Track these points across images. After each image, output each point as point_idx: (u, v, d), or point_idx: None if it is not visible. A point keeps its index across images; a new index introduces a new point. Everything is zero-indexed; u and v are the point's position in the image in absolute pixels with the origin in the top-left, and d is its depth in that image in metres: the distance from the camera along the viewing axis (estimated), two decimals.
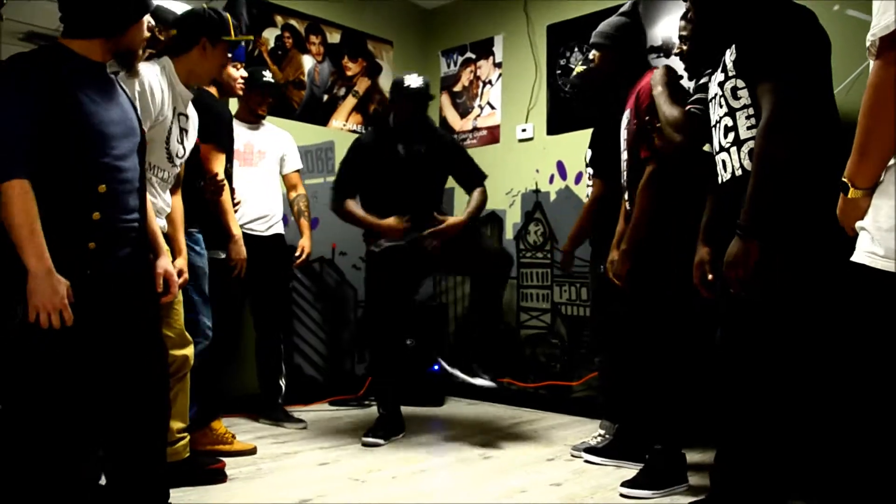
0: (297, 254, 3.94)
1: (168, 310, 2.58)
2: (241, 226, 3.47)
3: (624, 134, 2.97)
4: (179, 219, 2.72)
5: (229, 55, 3.22)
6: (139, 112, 2.22)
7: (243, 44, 3.59)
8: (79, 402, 1.95)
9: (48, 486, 1.89)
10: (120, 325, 2.02)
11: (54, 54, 1.95)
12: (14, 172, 1.77)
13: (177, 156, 2.64)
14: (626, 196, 2.99)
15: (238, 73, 3.37)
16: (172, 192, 2.69)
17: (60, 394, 1.88)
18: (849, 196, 1.46)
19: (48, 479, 1.88)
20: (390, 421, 3.62)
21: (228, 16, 2.74)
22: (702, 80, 2.66)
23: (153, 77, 2.48)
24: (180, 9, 2.95)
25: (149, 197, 2.42)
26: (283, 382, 3.97)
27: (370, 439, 3.46)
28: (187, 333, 2.72)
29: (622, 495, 2.69)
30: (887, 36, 1.34)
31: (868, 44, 1.40)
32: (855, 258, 1.44)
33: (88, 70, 2.00)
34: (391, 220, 3.53)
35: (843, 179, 1.47)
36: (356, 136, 4.29)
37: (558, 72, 4.69)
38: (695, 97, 2.64)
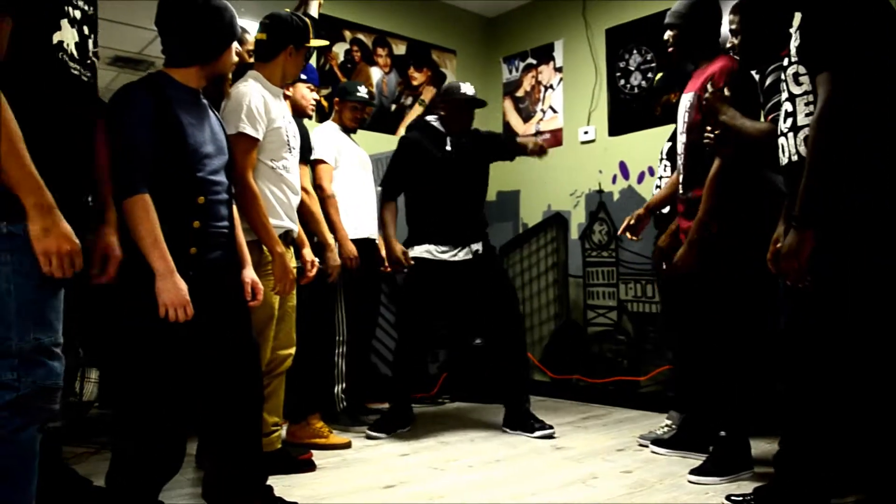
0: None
1: (283, 311, 2.87)
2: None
3: (685, 117, 3.01)
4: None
5: (304, 77, 3.47)
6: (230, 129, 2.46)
7: (328, 65, 3.78)
8: (186, 387, 2.18)
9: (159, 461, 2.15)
10: (216, 320, 2.23)
11: (160, 82, 2.19)
12: (140, 188, 2.01)
13: (294, 147, 2.93)
14: (680, 179, 3.05)
15: (311, 94, 3.58)
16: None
17: (175, 378, 2.12)
18: None
19: (159, 455, 2.14)
20: (396, 415, 3.79)
21: (309, 21, 2.94)
22: (768, 80, 2.71)
23: (255, 94, 2.72)
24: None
25: (271, 189, 2.80)
26: (341, 393, 3.94)
27: (373, 433, 3.66)
28: (293, 335, 2.97)
29: (690, 482, 2.81)
30: None
31: None
32: None
33: (187, 95, 2.24)
34: (397, 251, 3.77)
35: None
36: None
37: (618, 74, 4.80)
38: (773, 102, 2.65)
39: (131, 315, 2.07)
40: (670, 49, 3.14)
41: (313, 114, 3.70)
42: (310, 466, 3.02)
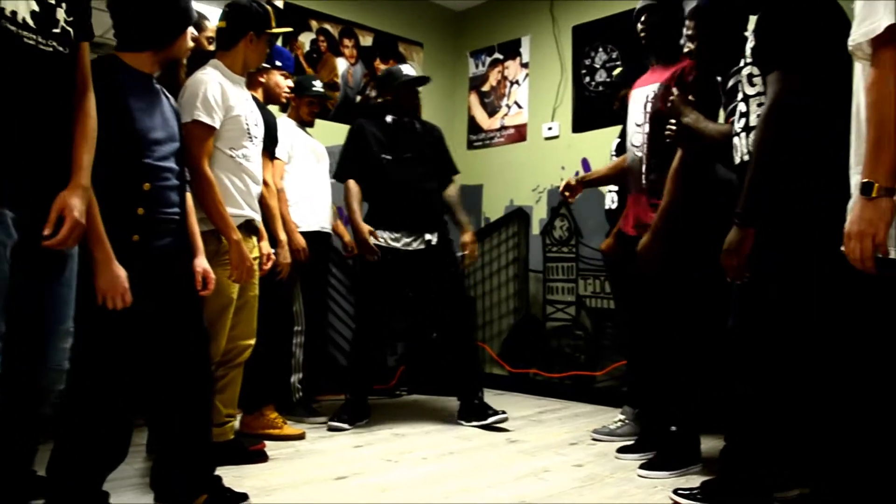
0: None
1: (244, 300, 2.86)
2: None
3: (647, 107, 3.03)
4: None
5: (279, 64, 3.44)
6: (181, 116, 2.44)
7: (293, 55, 3.74)
8: (131, 376, 2.15)
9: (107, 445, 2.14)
10: (165, 308, 2.20)
11: (110, 66, 2.15)
12: None
13: (255, 136, 2.88)
14: (643, 168, 3.04)
15: (286, 82, 3.56)
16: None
17: (119, 367, 2.09)
18: (872, 195, 1.49)
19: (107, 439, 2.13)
20: (356, 406, 3.79)
21: (270, 8, 2.92)
22: (730, 83, 2.74)
23: (212, 81, 2.69)
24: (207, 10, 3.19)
25: (229, 177, 2.75)
26: (298, 383, 3.91)
27: (336, 423, 3.64)
28: (254, 326, 2.95)
29: (640, 476, 2.84)
30: (876, 38, 1.47)
31: (851, 47, 1.54)
32: None
33: (138, 80, 2.21)
34: (364, 232, 3.68)
35: (864, 181, 1.50)
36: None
37: (583, 71, 4.83)
38: (733, 105, 2.68)
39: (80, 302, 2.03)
40: (643, 34, 3.13)
41: (287, 101, 3.68)
42: (262, 457, 3.00)
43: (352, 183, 3.82)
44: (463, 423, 3.79)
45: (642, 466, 2.88)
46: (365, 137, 3.83)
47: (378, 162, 3.79)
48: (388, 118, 3.87)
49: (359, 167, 3.84)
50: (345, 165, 3.88)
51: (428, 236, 3.81)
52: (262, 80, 3.45)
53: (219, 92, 2.68)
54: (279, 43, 4.26)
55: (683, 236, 2.84)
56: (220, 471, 2.46)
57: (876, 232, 1.49)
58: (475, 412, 3.77)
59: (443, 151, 4.03)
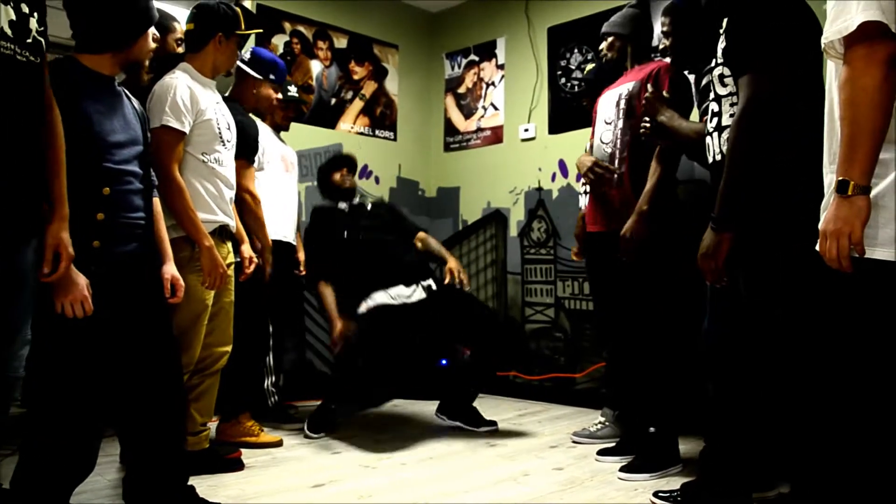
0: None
1: (219, 307, 2.81)
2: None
3: (620, 104, 3.07)
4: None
5: (272, 77, 3.40)
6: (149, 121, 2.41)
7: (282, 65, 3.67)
8: (96, 386, 2.08)
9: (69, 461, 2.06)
10: (131, 314, 2.15)
11: (67, 68, 2.10)
12: None
13: (228, 140, 2.83)
14: (614, 163, 3.07)
15: (277, 94, 3.52)
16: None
17: (82, 376, 2.02)
18: (848, 193, 1.47)
19: (70, 456, 2.06)
20: (332, 412, 3.74)
21: (239, 10, 2.87)
22: (704, 81, 2.74)
23: (181, 85, 2.65)
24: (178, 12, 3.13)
25: (202, 182, 2.71)
26: (272, 387, 3.92)
27: (313, 434, 3.58)
28: (231, 332, 2.90)
29: (620, 479, 2.82)
30: (849, 36, 1.47)
31: (824, 45, 1.53)
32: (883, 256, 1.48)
33: (97, 83, 2.15)
34: (340, 326, 3.60)
35: (840, 179, 1.49)
36: (360, 145, 4.22)
37: (559, 72, 4.82)
38: (707, 104, 2.71)
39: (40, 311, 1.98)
40: (607, 57, 3.21)
41: (271, 112, 3.67)
42: (238, 465, 2.96)
43: (322, 285, 3.78)
44: (444, 417, 3.80)
45: (622, 469, 2.87)
46: (325, 222, 3.87)
47: (346, 242, 3.80)
48: (342, 205, 3.90)
49: (328, 258, 3.82)
50: (314, 267, 3.87)
51: (424, 283, 3.76)
52: (255, 91, 3.40)
53: (188, 95, 2.64)
54: (263, 47, 4.21)
55: (662, 240, 2.85)
56: (195, 480, 2.42)
57: (852, 230, 1.48)
58: (465, 415, 3.76)
59: (401, 218, 4.07)
